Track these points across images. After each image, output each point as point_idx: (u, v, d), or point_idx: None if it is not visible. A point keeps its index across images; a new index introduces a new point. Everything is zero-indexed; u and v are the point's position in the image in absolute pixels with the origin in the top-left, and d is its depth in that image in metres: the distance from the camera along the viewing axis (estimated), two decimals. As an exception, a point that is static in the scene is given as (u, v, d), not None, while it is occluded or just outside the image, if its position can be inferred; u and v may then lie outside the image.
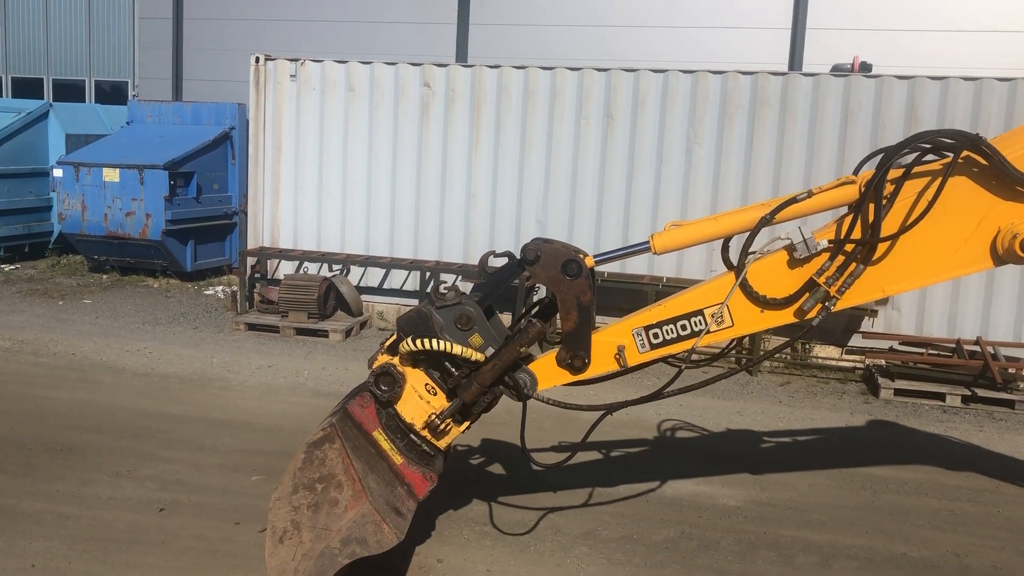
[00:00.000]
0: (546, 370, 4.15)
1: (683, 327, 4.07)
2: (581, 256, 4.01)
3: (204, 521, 4.83)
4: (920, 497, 5.64)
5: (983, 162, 3.85)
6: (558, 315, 4.13)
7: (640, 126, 9.32)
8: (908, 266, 3.97)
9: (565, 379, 4.17)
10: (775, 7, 14.08)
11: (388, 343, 4.18)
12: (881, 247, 3.92)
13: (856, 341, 8.92)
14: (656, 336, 4.09)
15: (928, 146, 3.93)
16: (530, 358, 4.21)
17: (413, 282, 10.05)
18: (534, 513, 5.08)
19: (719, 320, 4.04)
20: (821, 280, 3.94)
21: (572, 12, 14.76)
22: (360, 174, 10.08)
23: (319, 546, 3.81)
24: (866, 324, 8.87)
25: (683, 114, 9.21)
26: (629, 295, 8.59)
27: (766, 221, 3.99)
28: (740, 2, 14.18)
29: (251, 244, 10.37)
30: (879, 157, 3.99)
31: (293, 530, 3.86)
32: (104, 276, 12.13)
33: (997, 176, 3.84)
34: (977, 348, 8.24)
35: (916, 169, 3.89)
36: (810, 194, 4.02)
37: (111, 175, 11.41)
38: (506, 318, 4.45)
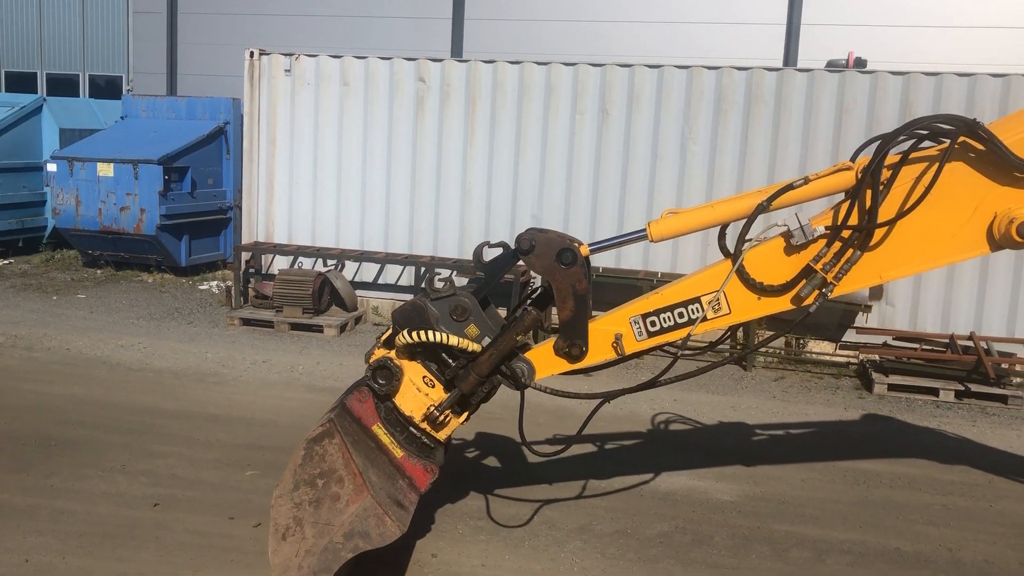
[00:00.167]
0: (544, 359, 4.15)
1: (680, 315, 4.06)
2: (576, 244, 4.01)
3: (199, 516, 4.83)
4: (913, 492, 5.66)
5: (980, 147, 3.84)
6: (554, 305, 4.13)
7: (635, 121, 9.32)
8: (905, 252, 3.96)
9: (563, 368, 4.17)
10: (770, 3, 14.09)
11: (384, 337, 4.18)
12: (878, 233, 3.91)
13: (850, 336, 8.94)
14: (653, 324, 4.09)
15: (925, 132, 3.93)
16: (527, 347, 4.21)
17: (408, 277, 10.05)
18: (528, 508, 5.09)
19: (716, 308, 4.03)
20: (818, 267, 3.93)
21: (567, 7, 14.75)
22: (355, 169, 10.07)
23: (322, 541, 3.81)
24: (860, 319, 8.89)
25: (678, 109, 9.21)
26: (624, 290, 8.57)
27: (763, 208, 3.98)
28: (735, -2, 14.20)
29: (246, 239, 10.36)
30: (876, 144, 3.98)
31: (295, 527, 3.86)
32: (98, 271, 12.10)
33: (994, 161, 3.84)
34: (971, 343, 8.28)
35: (913, 155, 3.89)
36: (807, 181, 4.01)
37: (105, 170, 11.38)
38: (503, 314, 4.45)
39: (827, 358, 8.88)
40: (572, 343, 4.08)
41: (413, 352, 4.04)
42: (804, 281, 3.96)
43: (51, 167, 11.68)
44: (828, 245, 3.93)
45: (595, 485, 5.51)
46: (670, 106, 9.22)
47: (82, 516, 4.77)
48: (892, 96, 8.72)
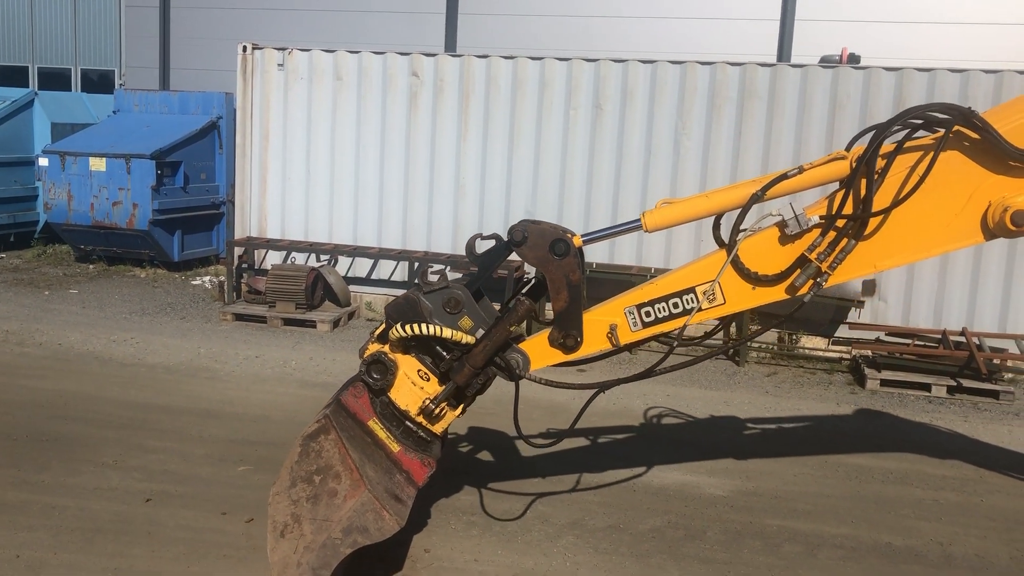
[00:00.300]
0: (539, 350, 4.14)
1: (675, 305, 4.06)
2: (569, 235, 4.01)
3: (191, 511, 4.82)
4: (905, 487, 5.68)
5: (974, 136, 3.84)
6: (548, 297, 4.12)
7: (629, 117, 9.32)
8: (899, 241, 3.96)
9: (558, 359, 4.16)
10: (764, -2, 14.08)
11: (378, 332, 4.16)
12: (872, 222, 3.90)
13: (843, 332, 8.96)
14: (648, 314, 4.09)
15: (919, 121, 3.92)
16: (521, 338, 4.21)
17: (401, 272, 10.04)
18: (521, 503, 5.10)
19: (711, 298, 4.03)
20: (812, 256, 3.92)
21: (561, 3, 14.72)
22: (348, 164, 10.05)
23: (321, 537, 3.82)
24: (853, 315, 8.91)
25: (672, 105, 9.21)
26: (617, 285, 8.53)
27: (757, 198, 3.98)
28: (729, -7, 14.18)
29: (238, 234, 10.33)
30: (870, 134, 3.97)
31: (293, 523, 3.86)
32: (91, 266, 12.07)
33: (988, 150, 3.83)
34: (963, 339, 8.30)
35: (908, 144, 3.88)
36: (801, 170, 4.00)
37: (97, 164, 11.34)
38: (496, 307, 4.44)
39: (820, 353, 8.89)
40: (567, 334, 4.07)
41: (407, 346, 4.04)
42: (799, 271, 3.95)
43: (43, 161, 11.63)
44: (823, 234, 3.93)
45: (588, 480, 5.51)
46: (664, 101, 9.22)
47: (74, 511, 4.76)
48: (885, 92, 8.73)
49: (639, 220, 4.13)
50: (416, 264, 9.77)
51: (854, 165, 3.91)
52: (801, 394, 7.78)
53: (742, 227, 3.99)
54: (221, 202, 12.31)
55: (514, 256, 4.13)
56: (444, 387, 4.02)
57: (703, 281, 4.04)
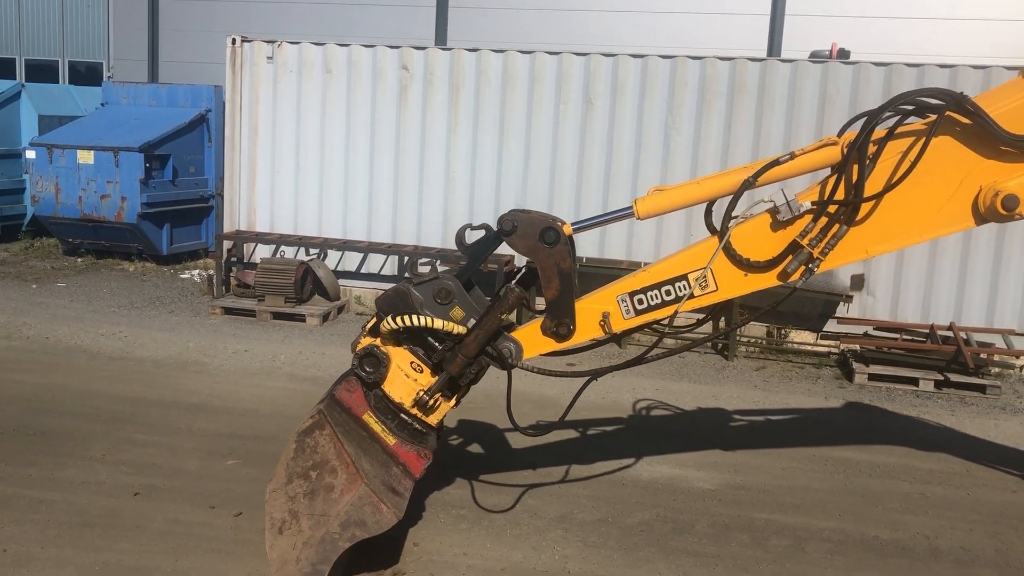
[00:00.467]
0: (531, 339, 4.13)
1: (667, 292, 4.05)
2: (559, 224, 4.00)
3: (179, 505, 4.81)
4: (892, 480, 5.71)
5: (966, 121, 3.83)
6: (537, 286, 4.11)
7: (619, 111, 9.32)
8: (891, 226, 3.96)
9: (551, 347, 4.15)
10: (755, -7, 14.10)
11: (369, 325, 4.15)
12: (864, 208, 3.90)
13: (831, 326, 8.98)
14: (641, 302, 4.08)
15: (911, 107, 3.92)
16: (513, 326, 4.20)
17: (391, 266, 10.02)
18: (510, 496, 5.10)
19: (703, 284, 4.02)
20: (804, 242, 3.92)
21: (552, -4, 14.71)
22: (338, 157, 10.03)
23: (319, 532, 3.82)
24: (841, 309, 8.93)
25: (662, 99, 9.22)
26: (607, 280, 8.55)
27: (749, 184, 3.97)
28: (720, -12, 14.19)
29: (227, 227, 10.30)
30: (862, 120, 3.96)
31: (291, 520, 3.86)
32: (79, 259, 12.01)
33: (980, 135, 3.83)
34: (950, 333, 8.34)
35: (900, 129, 3.88)
36: (792, 156, 3.99)
37: (85, 157, 11.28)
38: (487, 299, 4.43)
39: (808, 348, 8.92)
40: (560, 322, 4.06)
41: (399, 338, 4.03)
42: (791, 257, 3.94)
43: (30, 154, 11.56)
44: (814, 220, 3.92)
45: (577, 473, 5.52)
46: (654, 96, 9.22)
47: (61, 505, 4.74)
48: (875, 87, 8.76)
49: (631, 208, 4.12)
50: (406, 258, 9.76)
51: (845, 151, 3.91)
52: (790, 388, 7.81)
53: (734, 214, 3.98)
54: (210, 195, 12.26)
55: (504, 250, 4.13)
56: (437, 378, 4.01)
57: (695, 268, 4.03)
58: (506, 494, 5.13)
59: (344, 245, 9.89)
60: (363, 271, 10.13)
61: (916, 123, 3.92)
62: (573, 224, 4.12)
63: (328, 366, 7.68)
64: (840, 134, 4.08)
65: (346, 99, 9.92)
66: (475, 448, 5.91)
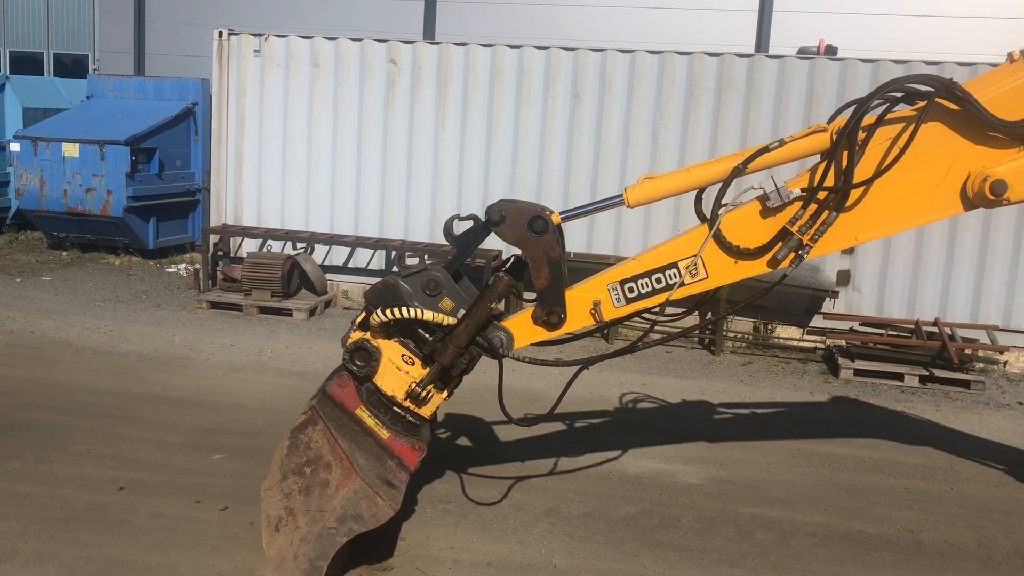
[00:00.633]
0: (522, 328, 4.13)
1: (658, 280, 4.06)
2: (547, 212, 4.00)
3: (165, 500, 4.79)
4: (877, 475, 5.74)
5: (955, 107, 3.84)
6: (526, 276, 4.11)
7: (607, 106, 9.32)
8: (880, 213, 3.97)
9: (542, 336, 4.14)
10: (743, -11, 14.11)
11: (359, 319, 4.14)
12: (853, 194, 3.90)
13: (817, 322, 9.04)
14: (631, 290, 4.08)
15: (900, 94, 3.93)
16: (503, 316, 4.20)
17: (379, 261, 10.00)
18: (496, 491, 5.10)
19: (693, 272, 4.03)
20: (794, 228, 3.92)
21: (540, -9, 14.69)
22: (325, 151, 9.99)
23: (315, 528, 3.82)
24: (827, 305, 8.99)
25: (650, 95, 9.22)
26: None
27: (739, 171, 3.96)
28: (708, -17, 14.20)
29: (214, 221, 10.25)
30: (851, 107, 3.96)
31: (287, 516, 3.86)
32: (64, 253, 11.93)
33: (968, 120, 3.84)
34: (935, 329, 8.39)
35: (888, 116, 3.89)
36: (782, 143, 4.00)
37: (71, 150, 11.20)
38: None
39: (794, 343, 8.96)
40: (551, 311, 4.06)
41: (389, 331, 4.02)
42: (781, 243, 3.95)
43: (14, 147, 11.47)
44: (804, 207, 3.93)
45: (564, 467, 5.53)
46: (642, 91, 9.23)
47: (45, 500, 4.71)
48: (862, 83, 8.78)
49: (621, 196, 4.12)
50: (393, 252, 9.74)
51: (835, 138, 3.92)
52: (776, 383, 7.84)
53: (724, 201, 3.98)
54: (197, 189, 12.20)
55: (491, 245, 4.12)
56: (429, 370, 4.00)
57: (685, 256, 4.03)
58: (493, 488, 5.14)
59: (331, 239, 9.86)
60: (350, 265, 10.11)
61: (905, 110, 3.93)
62: (562, 213, 4.11)
63: (315, 360, 7.67)
64: (829, 121, 4.08)
65: (333, 93, 9.89)
66: (463, 442, 5.91)
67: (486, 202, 9.56)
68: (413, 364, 4.04)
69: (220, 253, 10.18)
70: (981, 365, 8.40)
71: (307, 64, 9.90)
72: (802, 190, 3.93)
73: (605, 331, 8.19)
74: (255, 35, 10.00)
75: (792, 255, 3.95)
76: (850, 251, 8.95)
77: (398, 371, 4.03)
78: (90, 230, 11.61)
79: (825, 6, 13.70)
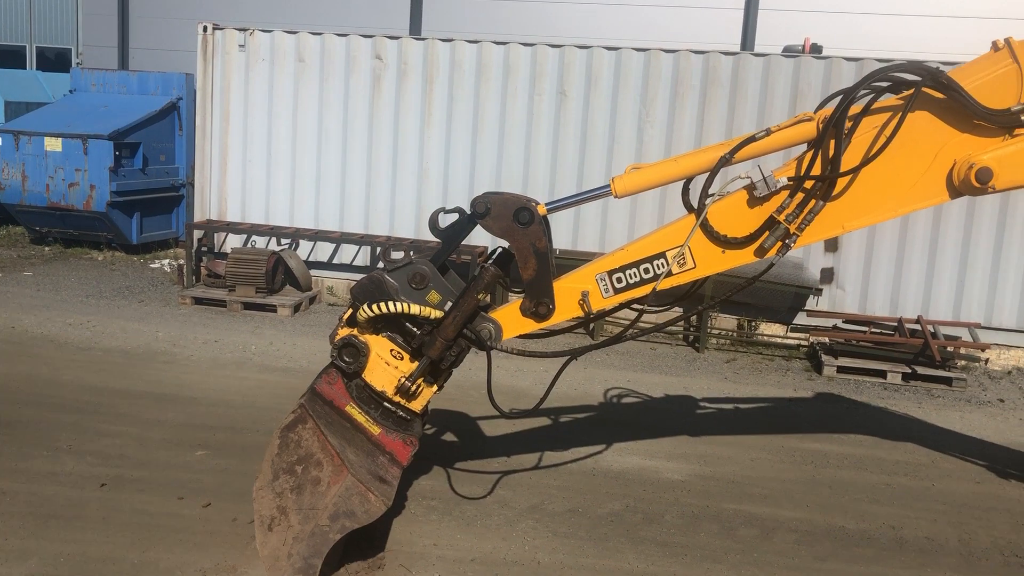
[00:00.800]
0: (510, 319, 4.12)
1: (646, 270, 4.06)
2: (533, 204, 3.99)
3: (147, 496, 4.77)
4: (859, 471, 5.78)
5: (940, 96, 3.85)
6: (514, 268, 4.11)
7: (593, 103, 9.33)
8: (867, 201, 3.98)
9: (530, 327, 4.13)
10: (729, -13, 14.15)
11: (346, 316, 4.12)
12: (840, 183, 3.91)
13: (801, 319, 9.08)
14: (619, 280, 4.08)
15: (886, 84, 3.94)
16: (490, 307, 4.19)
17: (364, 257, 9.97)
18: (481, 487, 5.11)
19: (681, 262, 4.03)
20: (781, 217, 3.93)
21: (527, -13, 14.67)
22: (310, 147, 9.95)
23: (308, 526, 3.81)
24: (811, 302, 9.03)
25: (636, 92, 9.24)
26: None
27: (726, 160, 3.97)
28: (694, -19, 14.23)
29: (198, 217, 10.20)
30: (838, 97, 3.97)
31: (280, 516, 3.84)
32: (46, 248, 11.84)
33: (954, 109, 3.85)
34: (918, 327, 8.45)
35: (875, 105, 3.90)
36: (768, 132, 4.00)
37: (53, 144, 11.11)
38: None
39: (778, 340, 9.00)
40: (539, 302, 4.05)
41: (376, 326, 4.00)
42: (768, 233, 3.96)
43: (-4, 141, 11.38)
44: (791, 196, 3.93)
45: (548, 463, 5.54)
46: (628, 88, 9.24)
47: (26, 497, 4.68)
48: (846, 81, 8.79)
49: (608, 186, 4.11)
50: (379, 249, 9.71)
51: (821, 127, 3.92)
52: (759, 380, 7.87)
53: (711, 191, 3.98)
54: (181, 184, 12.13)
55: (477, 240, 4.11)
56: (418, 364, 3.99)
57: (673, 246, 4.03)
58: (478, 483, 5.14)
59: (316, 235, 9.83)
60: (335, 261, 10.08)
61: (891, 99, 3.94)
62: (548, 204, 4.11)
63: (299, 357, 7.64)
64: (816, 111, 4.10)
65: (319, 88, 9.85)
66: (448, 437, 5.91)
67: (472, 197, 9.59)
68: (402, 359, 4.03)
69: (204, 249, 10.13)
70: (963, 363, 8.47)
71: (292, 59, 9.86)
72: (789, 179, 3.93)
73: (591, 327, 8.21)
74: (240, 30, 9.95)
75: (779, 244, 3.96)
76: (834, 248, 9.00)
77: (387, 366, 4.02)
78: (73, 225, 11.53)
79: (810, 5, 13.75)
